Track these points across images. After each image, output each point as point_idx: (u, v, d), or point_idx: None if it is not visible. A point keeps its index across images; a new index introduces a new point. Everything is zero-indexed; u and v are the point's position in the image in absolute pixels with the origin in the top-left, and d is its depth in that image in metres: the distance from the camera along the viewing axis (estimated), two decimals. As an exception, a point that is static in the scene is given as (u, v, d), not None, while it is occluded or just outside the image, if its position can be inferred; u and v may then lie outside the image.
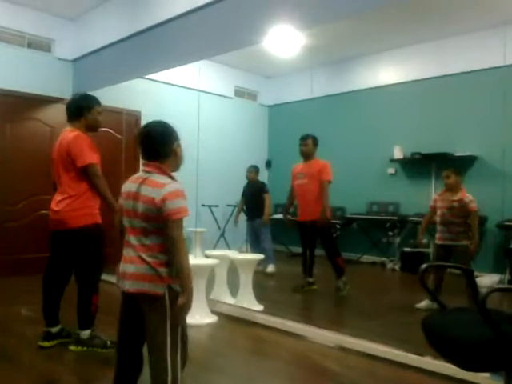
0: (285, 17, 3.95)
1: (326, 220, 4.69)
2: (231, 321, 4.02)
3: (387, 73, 6.55)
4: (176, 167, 2.07)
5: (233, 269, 4.45)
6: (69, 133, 3.17)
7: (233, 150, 7.09)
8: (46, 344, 3.21)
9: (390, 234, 6.17)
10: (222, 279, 4.46)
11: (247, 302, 4.16)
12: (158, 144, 2.00)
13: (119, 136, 6.08)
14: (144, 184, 1.95)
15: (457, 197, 4.10)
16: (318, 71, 7.02)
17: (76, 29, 6.26)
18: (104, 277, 3.35)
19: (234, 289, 4.44)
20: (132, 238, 1.96)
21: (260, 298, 4.29)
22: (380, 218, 6.33)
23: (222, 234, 6.87)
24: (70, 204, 3.07)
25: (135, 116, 6.26)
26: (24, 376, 2.79)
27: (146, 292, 1.90)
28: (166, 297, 1.89)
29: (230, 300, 4.36)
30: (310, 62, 6.62)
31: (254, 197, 6.03)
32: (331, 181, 4.74)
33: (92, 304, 3.11)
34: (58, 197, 3.16)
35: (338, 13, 3.72)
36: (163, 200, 1.86)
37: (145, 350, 2.03)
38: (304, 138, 4.88)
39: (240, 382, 2.83)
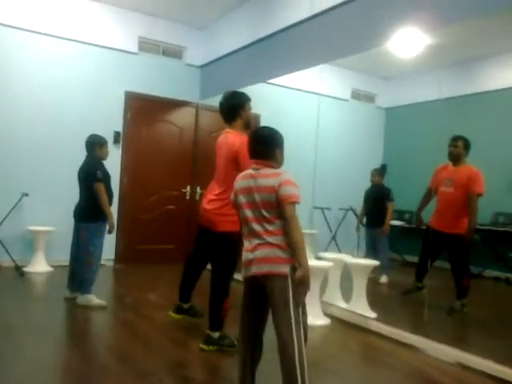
0: (410, 19, 3.86)
1: (471, 239, 4.31)
2: (344, 325, 4.03)
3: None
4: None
5: (345, 273, 4.45)
6: (234, 136, 3.22)
7: (347, 154, 7.03)
8: (175, 316, 3.53)
9: (519, 248, 5.67)
10: (335, 282, 4.48)
11: (360, 308, 4.13)
12: (262, 146, 2.29)
13: (239, 137, 6.38)
14: (258, 177, 2.21)
15: None
16: (444, 71, 6.67)
17: (204, 37, 6.70)
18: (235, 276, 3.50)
19: (345, 293, 4.44)
20: (256, 227, 2.18)
21: (372, 305, 4.23)
22: (507, 230, 5.85)
23: (334, 237, 6.86)
24: (221, 208, 3.19)
25: (255, 119, 6.51)
26: (155, 356, 3.10)
27: (272, 272, 2.12)
28: (289, 275, 2.10)
29: (342, 304, 4.36)
30: (435, 61, 6.31)
31: (376, 203, 5.76)
32: (482, 194, 4.27)
33: (223, 308, 3.22)
34: (210, 195, 3.31)
35: (468, 11, 3.53)
36: (280, 186, 2.12)
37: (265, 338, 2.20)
38: (455, 139, 4.46)
39: (354, 387, 2.85)
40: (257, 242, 2.16)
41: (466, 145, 4.45)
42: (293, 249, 2.10)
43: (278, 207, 2.12)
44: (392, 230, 5.84)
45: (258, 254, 2.14)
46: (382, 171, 5.97)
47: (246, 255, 2.21)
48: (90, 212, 4.13)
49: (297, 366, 2.02)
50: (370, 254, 5.76)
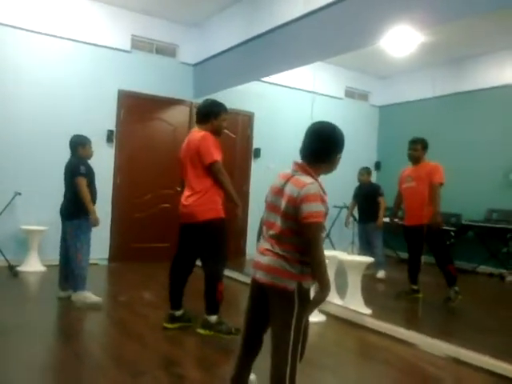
0: (403, 17, 3.87)
1: (438, 225, 4.46)
2: (339, 322, 4.04)
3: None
4: (326, 173, 2.08)
5: (340, 270, 4.46)
6: (196, 133, 3.43)
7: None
8: (170, 326, 3.52)
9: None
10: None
11: (355, 305, 4.15)
12: (319, 145, 2.02)
13: (233, 136, 6.38)
14: (289, 182, 1.97)
15: None
16: (437, 69, 6.70)
17: (197, 35, 6.68)
18: (227, 273, 3.56)
19: (340, 290, 4.45)
20: (270, 233, 2.01)
21: (367, 301, 4.25)
22: (500, 226, 5.89)
23: (328, 235, 6.87)
24: (198, 199, 3.32)
25: (248, 117, 6.53)
26: (149, 354, 3.09)
27: (276, 285, 1.94)
28: (295, 293, 1.91)
29: (337, 301, 4.37)
30: (429, 60, 6.33)
31: (367, 199, 5.90)
32: (443, 183, 4.48)
33: (217, 291, 3.32)
34: (186, 192, 3.44)
35: (462, 11, 3.54)
36: (301, 201, 1.88)
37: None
38: (414, 142, 4.69)
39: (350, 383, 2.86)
40: (267, 247, 2.01)
41: (425, 146, 4.66)
42: (313, 272, 1.90)
43: (295, 221, 1.91)
44: (386, 227, 5.87)
45: (266, 260, 1.99)
46: (369, 170, 6.07)
47: (256, 254, 2.09)
48: (73, 209, 4.15)
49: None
50: (363, 250, 5.81)
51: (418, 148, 4.67)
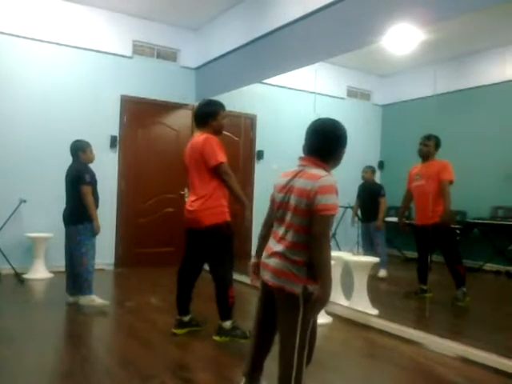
0: (404, 15, 3.86)
1: (448, 223, 4.45)
2: (346, 323, 4.03)
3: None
4: (332, 169, 2.05)
5: (346, 271, 4.45)
6: (198, 137, 3.39)
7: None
8: (179, 331, 3.51)
9: (518, 241, 5.68)
10: (335, 280, 4.47)
11: (362, 305, 4.14)
12: (324, 142, 2.00)
13: (236, 138, 6.39)
14: (299, 177, 1.95)
15: None
16: (439, 66, 6.68)
17: (198, 38, 6.70)
18: (233, 276, 3.52)
19: (346, 291, 4.43)
20: (280, 230, 1.99)
21: (374, 301, 4.23)
22: (506, 223, 5.86)
23: (333, 235, 6.86)
24: (203, 204, 3.28)
25: (251, 119, 6.53)
26: (157, 359, 3.08)
27: (283, 288, 1.93)
28: (301, 297, 1.91)
29: (343, 302, 4.36)
30: (430, 57, 6.32)
31: (370, 199, 5.92)
32: (453, 181, 4.46)
33: (229, 297, 3.29)
34: (191, 197, 3.42)
35: (462, 7, 3.53)
36: (316, 193, 1.84)
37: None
38: (427, 138, 4.65)
39: (358, 385, 2.85)
40: (276, 248, 1.98)
41: (437, 143, 4.63)
42: (317, 268, 1.86)
43: (306, 216, 1.87)
44: (390, 227, 5.86)
45: (273, 263, 1.98)
46: (373, 168, 6.11)
47: (265, 254, 2.07)
48: (77, 214, 4.16)
49: None
50: (367, 249, 5.83)
51: (429, 144, 4.62)
